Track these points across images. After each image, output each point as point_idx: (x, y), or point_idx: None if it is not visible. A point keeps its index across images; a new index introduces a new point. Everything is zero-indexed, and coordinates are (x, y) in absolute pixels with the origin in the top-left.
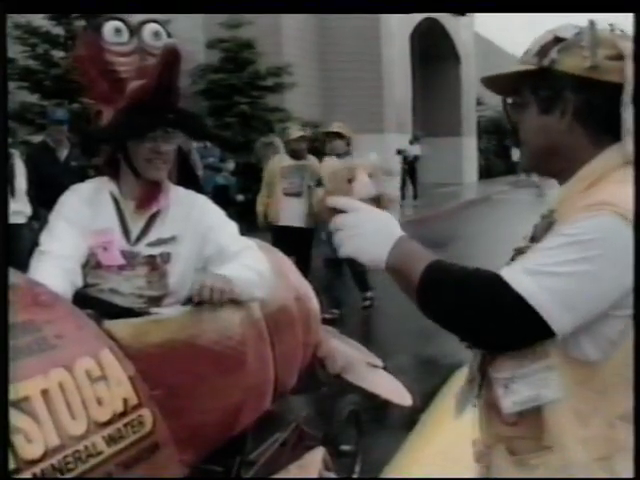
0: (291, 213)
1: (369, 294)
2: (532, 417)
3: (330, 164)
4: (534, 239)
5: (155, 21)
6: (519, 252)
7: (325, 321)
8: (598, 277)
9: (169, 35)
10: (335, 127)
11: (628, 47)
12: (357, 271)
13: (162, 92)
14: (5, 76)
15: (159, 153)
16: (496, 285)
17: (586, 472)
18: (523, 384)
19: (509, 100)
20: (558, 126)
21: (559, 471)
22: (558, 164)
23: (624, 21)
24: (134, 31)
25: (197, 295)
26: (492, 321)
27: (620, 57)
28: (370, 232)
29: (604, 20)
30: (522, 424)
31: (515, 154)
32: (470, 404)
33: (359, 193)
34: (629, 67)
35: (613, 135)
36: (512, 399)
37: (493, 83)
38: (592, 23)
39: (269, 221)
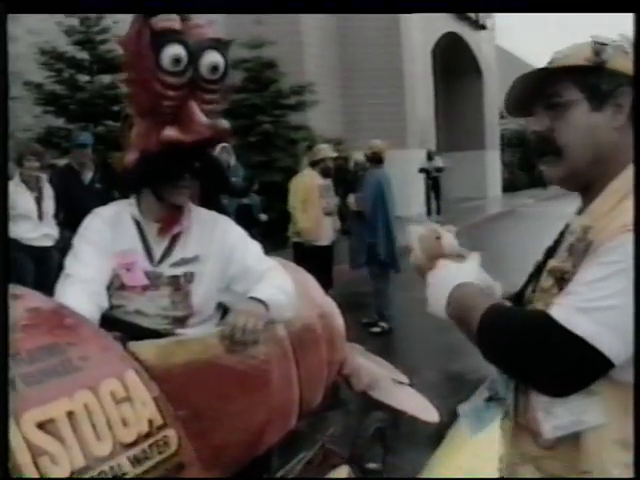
0: (328, 232)
1: (383, 324)
2: (568, 440)
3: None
4: (572, 259)
5: (216, 47)
6: (554, 273)
7: (374, 334)
8: None
9: (227, 65)
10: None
11: None
12: (378, 291)
13: (196, 149)
14: (6, 77)
15: (181, 188)
16: (552, 329)
17: None
18: (564, 409)
19: (538, 107)
20: (610, 124)
21: None
22: (598, 168)
23: (624, 21)
24: (193, 59)
25: (229, 337)
26: (554, 365)
27: None
28: (432, 287)
29: (611, 25)
30: (556, 447)
31: None
32: (488, 423)
33: (448, 247)
34: None
35: None
36: (553, 424)
37: (517, 95)
38: (624, 34)
39: (308, 240)
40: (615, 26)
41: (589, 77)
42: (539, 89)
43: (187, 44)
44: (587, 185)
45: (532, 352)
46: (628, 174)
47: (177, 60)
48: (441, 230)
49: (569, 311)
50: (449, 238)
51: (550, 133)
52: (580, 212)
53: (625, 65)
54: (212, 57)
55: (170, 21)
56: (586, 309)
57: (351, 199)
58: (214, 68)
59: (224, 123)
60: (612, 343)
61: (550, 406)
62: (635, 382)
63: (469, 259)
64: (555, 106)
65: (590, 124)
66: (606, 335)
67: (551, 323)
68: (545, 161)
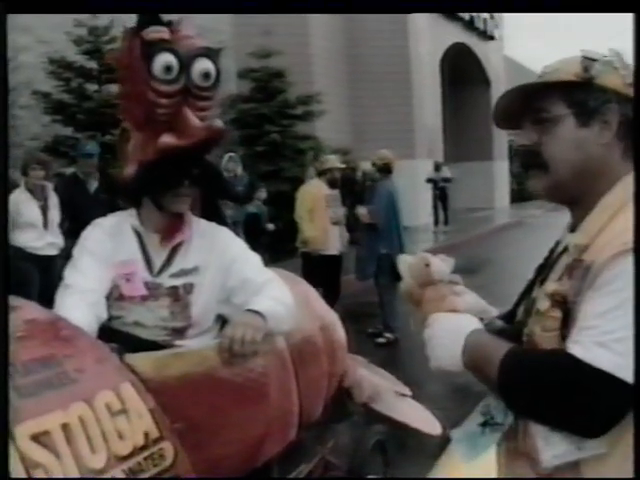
0: (336, 242)
1: (388, 335)
2: (567, 468)
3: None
4: (570, 282)
5: (207, 54)
6: (553, 296)
7: (379, 345)
8: None
9: (219, 73)
10: (374, 156)
11: None
12: (383, 302)
13: (193, 155)
14: (6, 77)
15: (181, 196)
16: (575, 368)
17: None
18: (564, 437)
19: (527, 121)
20: (597, 140)
21: None
22: (585, 184)
23: (624, 21)
24: (184, 67)
25: (227, 350)
26: (583, 405)
27: None
28: (442, 339)
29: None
30: (555, 474)
31: None
32: (483, 449)
33: (438, 274)
34: None
35: None
36: (552, 452)
37: (505, 109)
38: (615, 50)
39: (315, 249)
40: (625, 31)
41: (577, 93)
42: (528, 103)
43: (177, 52)
44: (573, 200)
45: (558, 394)
46: (619, 190)
47: (168, 68)
48: (430, 257)
49: (589, 347)
50: (438, 265)
51: (537, 147)
52: (572, 230)
53: (614, 81)
54: (203, 64)
55: (160, 32)
56: (605, 342)
57: (363, 211)
58: (206, 75)
59: (218, 123)
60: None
61: (549, 434)
62: (635, 385)
63: (465, 294)
64: (543, 121)
65: (576, 140)
66: (629, 364)
67: (573, 361)
68: (531, 175)
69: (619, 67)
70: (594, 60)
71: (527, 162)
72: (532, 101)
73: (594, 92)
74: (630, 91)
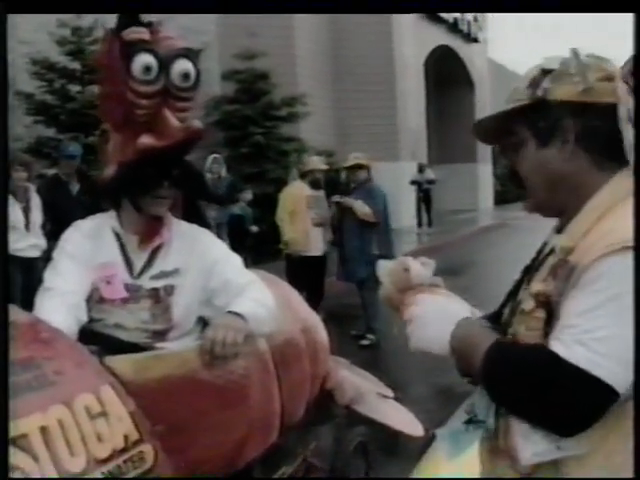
0: (318, 243)
1: (371, 336)
2: (547, 467)
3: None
4: (555, 283)
5: (187, 55)
6: (538, 296)
7: (362, 347)
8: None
9: (198, 73)
10: (353, 159)
11: (616, 69)
12: (367, 303)
13: (172, 155)
14: (6, 77)
15: (160, 198)
16: (555, 365)
17: None
18: (543, 436)
19: (496, 146)
20: (560, 156)
21: None
22: (564, 198)
23: (624, 21)
24: (163, 67)
25: (209, 352)
26: (560, 402)
27: (610, 78)
28: (432, 320)
29: (584, 48)
30: (535, 473)
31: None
32: (466, 446)
33: (417, 279)
34: (621, 88)
35: (619, 161)
36: (532, 450)
37: (485, 131)
38: (575, 50)
39: (296, 250)
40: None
41: (532, 114)
42: (504, 126)
43: (157, 53)
44: (561, 210)
45: (537, 389)
46: (605, 193)
47: (147, 68)
48: (410, 262)
49: (569, 345)
50: (417, 270)
51: (514, 168)
52: (559, 231)
53: (566, 93)
54: (183, 65)
55: (139, 33)
56: (585, 341)
57: (366, 209)
58: (185, 75)
59: (197, 123)
60: (615, 372)
61: (529, 432)
62: (635, 386)
63: (448, 297)
64: (513, 144)
65: (539, 160)
66: (608, 365)
67: (553, 358)
68: (525, 193)
69: (574, 73)
70: (549, 72)
71: (514, 182)
72: (506, 123)
73: (548, 109)
74: (586, 97)
